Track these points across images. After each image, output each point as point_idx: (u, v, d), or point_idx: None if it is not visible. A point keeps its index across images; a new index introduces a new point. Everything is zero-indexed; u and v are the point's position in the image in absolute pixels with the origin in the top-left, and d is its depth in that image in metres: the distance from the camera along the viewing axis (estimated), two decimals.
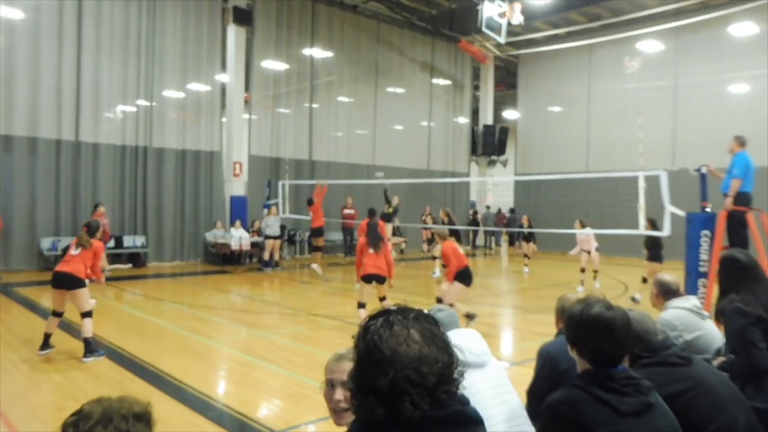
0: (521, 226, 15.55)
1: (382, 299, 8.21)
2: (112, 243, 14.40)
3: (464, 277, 8.15)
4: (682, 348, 2.62)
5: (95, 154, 14.71)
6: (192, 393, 5.69)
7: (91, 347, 6.75)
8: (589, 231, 12.44)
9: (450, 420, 1.28)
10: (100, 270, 7.32)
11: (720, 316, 3.55)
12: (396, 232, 19.99)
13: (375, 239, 8.29)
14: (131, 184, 15.42)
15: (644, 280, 10.95)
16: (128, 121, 15.38)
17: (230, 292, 12.39)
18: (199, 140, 16.63)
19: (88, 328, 6.75)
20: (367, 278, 8.12)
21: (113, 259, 14.68)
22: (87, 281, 6.99)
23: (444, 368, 1.31)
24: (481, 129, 24.25)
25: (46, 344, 6.91)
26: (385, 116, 21.34)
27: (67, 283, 6.78)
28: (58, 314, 6.92)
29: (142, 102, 15.53)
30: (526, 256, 15.85)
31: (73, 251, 6.98)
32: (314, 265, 13.68)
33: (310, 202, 14.67)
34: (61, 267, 6.89)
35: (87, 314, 6.80)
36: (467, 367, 1.42)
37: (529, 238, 15.72)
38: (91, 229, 7.26)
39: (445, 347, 1.34)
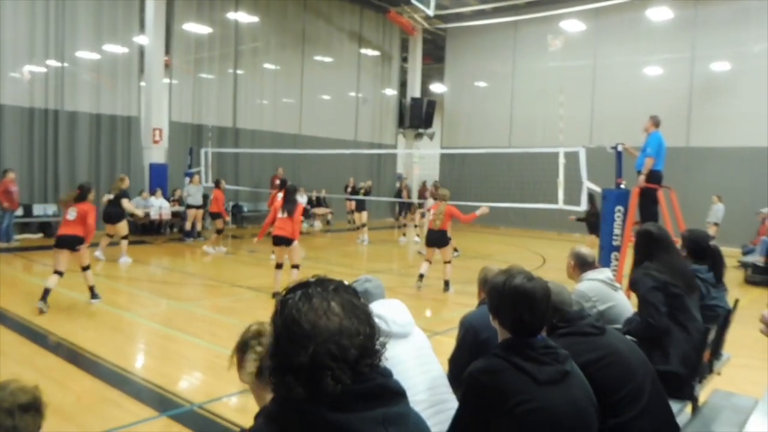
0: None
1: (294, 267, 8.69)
2: (20, 212, 13.59)
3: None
4: (596, 318, 2.73)
5: None
6: (108, 367, 5.50)
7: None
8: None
9: (372, 393, 1.26)
10: (93, 228, 7.89)
11: (633, 284, 3.75)
12: (321, 203, 19.95)
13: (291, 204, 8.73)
14: (41, 150, 14.50)
15: None
16: (37, 83, 14.38)
17: (149, 263, 11.99)
18: (116, 105, 15.82)
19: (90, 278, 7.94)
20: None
21: (22, 228, 13.87)
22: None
23: (366, 340, 1.27)
24: (409, 101, 24.31)
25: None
26: (313, 85, 20.99)
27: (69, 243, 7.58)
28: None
29: (52, 62, 14.56)
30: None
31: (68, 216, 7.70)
32: (211, 247, 13.24)
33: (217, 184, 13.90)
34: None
35: (85, 268, 7.87)
36: (391, 337, 1.40)
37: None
38: (83, 192, 7.86)
39: (367, 319, 1.31)
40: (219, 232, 13.27)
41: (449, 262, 9.77)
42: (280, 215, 8.72)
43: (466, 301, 7.93)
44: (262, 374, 2.16)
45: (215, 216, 13.48)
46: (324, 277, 1.36)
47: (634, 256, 3.89)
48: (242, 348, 2.24)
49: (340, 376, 1.21)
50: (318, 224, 19.31)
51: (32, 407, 1.57)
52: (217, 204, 13.34)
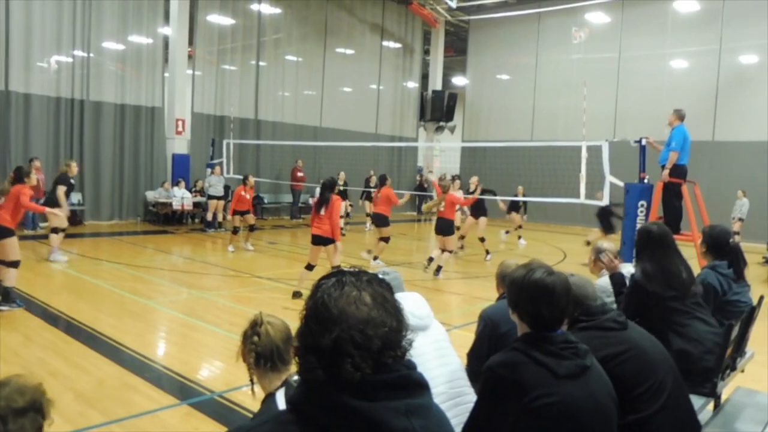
0: (515, 196, 14.76)
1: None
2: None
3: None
4: (619, 313, 2.70)
5: (27, 106, 13.95)
6: (129, 354, 5.58)
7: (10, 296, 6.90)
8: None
9: (396, 384, 1.27)
10: (30, 208, 7.49)
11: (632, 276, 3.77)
12: (342, 195, 20.02)
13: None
14: (66, 139, 14.74)
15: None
16: (63, 72, 14.61)
17: (171, 253, 12.13)
18: (140, 95, 15.99)
19: (12, 277, 6.91)
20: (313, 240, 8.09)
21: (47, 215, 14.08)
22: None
23: (391, 333, 1.28)
24: (430, 94, 24.20)
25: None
26: (334, 77, 21.00)
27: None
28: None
29: (78, 52, 14.75)
30: (519, 227, 15.17)
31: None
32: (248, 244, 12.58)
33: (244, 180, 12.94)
34: None
35: (13, 264, 6.93)
36: (411, 330, 1.41)
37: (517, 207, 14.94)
38: (19, 175, 7.27)
39: (396, 313, 1.32)
40: (251, 228, 12.63)
41: (451, 251, 10.42)
42: (316, 212, 8.13)
43: (484, 295, 7.91)
44: (258, 362, 2.23)
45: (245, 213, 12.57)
46: (360, 268, 1.38)
47: (635, 253, 3.86)
48: (243, 340, 2.31)
49: (359, 364, 1.22)
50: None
51: (31, 409, 1.53)
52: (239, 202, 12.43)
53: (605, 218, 11.43)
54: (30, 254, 10.32)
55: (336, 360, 1.23)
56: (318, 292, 1.31)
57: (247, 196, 12.47)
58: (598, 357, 2.21)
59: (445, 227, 10.21)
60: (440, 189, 10.65)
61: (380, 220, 11.31)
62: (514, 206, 14.96)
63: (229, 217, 12.56)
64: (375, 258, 11.09)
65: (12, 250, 6.93)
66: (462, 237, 12.79)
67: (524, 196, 14.83)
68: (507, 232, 15.76)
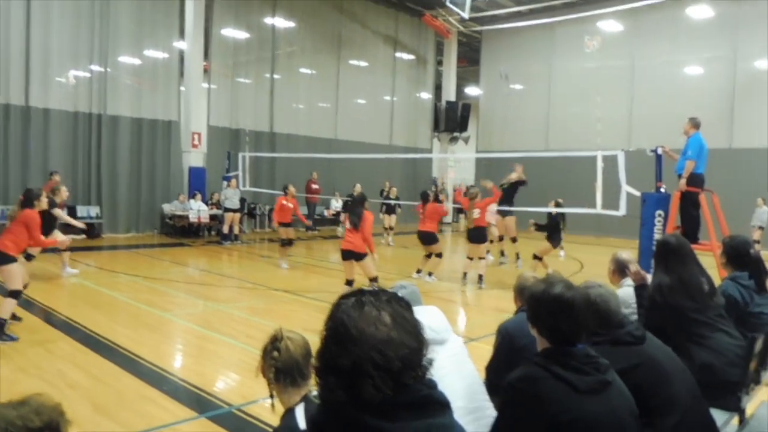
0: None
1: (372, 280, 7.96)
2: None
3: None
4: (637, 326, 2.68)
5: (46, 120, 14.18)
6: (146, 366, 5.60)
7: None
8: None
9: (417, 404, 1.27)
10: (40, 244, 7.01)
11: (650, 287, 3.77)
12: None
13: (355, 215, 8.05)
14: (84, 152, 14.94)
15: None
16: (81, 87, 14.83)
17: (187, 265, 12.19)
18: (156, 109, 16.17)
19: (6, 309, 6.22)
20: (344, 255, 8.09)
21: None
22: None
23: (411, 354, 1.28)
24: (444, 105, 24.23)
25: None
26: (348, 89, 21.12)
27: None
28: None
29: (95, 67, 14.97)
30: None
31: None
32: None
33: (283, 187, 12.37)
34: None
35: (12, 293, 6.27)
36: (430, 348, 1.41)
37: None
38: (28, 198, 6.66)
39: (415, 333, 1.32)
40: (283, 243, 11.96)
41: (482, 257, 10.43)
42: (347, 226, 8.13)
43: (502, 306, 7.87)
44: (277, 378, 2.24)
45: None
46: (380, 287, 1.38)
47: (654, 264, 3.82)
48: (263, 355, 2.33)
49: (380, 385, 1.22)
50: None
51: (47, 429, 1.55)
52: (283, 212, 11.96)
53: (556, 230, 10.94)
54: (50, 267, 10.44)
55: (356, 381, 1.23)
56: (338, 312, 1.31)
57: (290, 205, 11.88)
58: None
59: (478, 235, 10.27)
60: (467, 201, 10.42)
61: (427, 239, 10.78)
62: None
63: (274, 224, 12.17)
64: (429, 274, 10.80)
65: (11, 277, 6.29)
66: (501, 239, 12.74)
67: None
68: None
